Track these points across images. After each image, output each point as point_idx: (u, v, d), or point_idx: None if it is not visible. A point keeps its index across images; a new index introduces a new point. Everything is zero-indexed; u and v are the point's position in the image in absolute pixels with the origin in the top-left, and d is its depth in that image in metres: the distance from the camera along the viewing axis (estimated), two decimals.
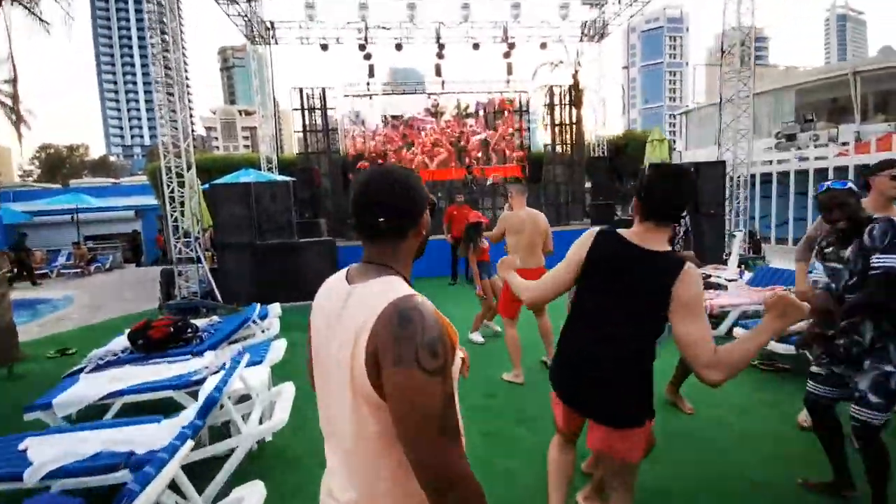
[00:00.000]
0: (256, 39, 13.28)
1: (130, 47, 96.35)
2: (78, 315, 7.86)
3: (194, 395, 3.48)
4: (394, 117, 14.08)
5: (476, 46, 13.92)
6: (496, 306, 5.43)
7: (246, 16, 12.50)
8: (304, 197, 10.01)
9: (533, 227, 4.08)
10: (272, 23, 13.33)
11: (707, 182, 8.58)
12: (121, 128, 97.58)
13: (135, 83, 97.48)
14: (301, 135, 12.29)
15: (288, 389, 3.22)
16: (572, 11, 13.57)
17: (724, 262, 8.11)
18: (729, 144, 10.10)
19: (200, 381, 3.46)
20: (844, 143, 18.91)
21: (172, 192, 7.64)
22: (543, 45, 14.28)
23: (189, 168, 7.71)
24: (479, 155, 14.45)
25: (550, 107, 13.70)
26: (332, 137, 12.59)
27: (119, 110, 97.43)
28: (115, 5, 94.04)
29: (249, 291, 7.44)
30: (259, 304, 5.17)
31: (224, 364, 3.74)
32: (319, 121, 12.50)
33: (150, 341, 4.37)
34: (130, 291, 9.87)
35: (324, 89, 12.22)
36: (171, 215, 7.59)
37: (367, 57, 13.68)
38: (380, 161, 13.81)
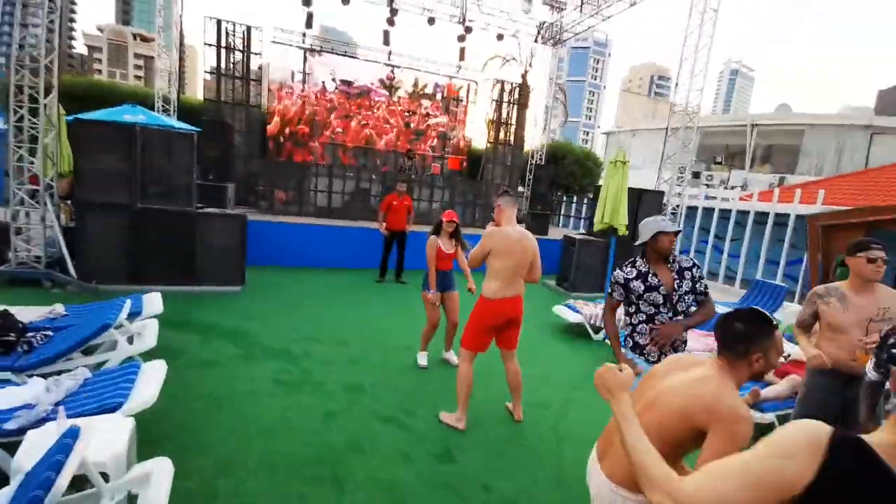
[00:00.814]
0: None
1: None
2: None
3: (5, 448, 2.19)
4: (344, 82, 12.39)
5: (431, 21, 12.76)
6: (451, 329, 4.60)
7: None
8: (210, 155, 8.21)
9: (522, 250, 3.29)
10: None
11: (647, 210, 8.58)
12: None
13: None
14: (213, 77, 10.18)
15: (161, 469, 2.05)
16: (534, 7, 13.01)
17: None
18: (667, 175, 10.35)
19: (15, 433, 2.19)
20: (734, 187, 21.22)
21: (21, 120, 5.58)
22: (500, 37, 13.58)
23: (49, 92, 5.69)
24: (434, 143, 13.42)
25: (499, 103, 13.09)
26: (253, 89, 10.65)
27: None
28: None
29: (117, 268, 5.73)
30: (128, 300, 3.74)
31: (60, 402, 2.43)
32: (239, 66, 10.49)
33: None
34: None
35: (248, 27, 10.23)
36: (15, 152, 5.54)
37: (307, 2, 11.84)
38: (304, 130, 12.12)
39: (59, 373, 2.89)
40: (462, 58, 13.52)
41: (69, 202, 6.69)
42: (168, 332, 4.23)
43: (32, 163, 5.64)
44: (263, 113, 11.39)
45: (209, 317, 5.14)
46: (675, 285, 2.53)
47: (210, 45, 10.09)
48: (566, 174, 14.63)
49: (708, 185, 22.69)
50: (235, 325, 4.96)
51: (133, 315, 3.92)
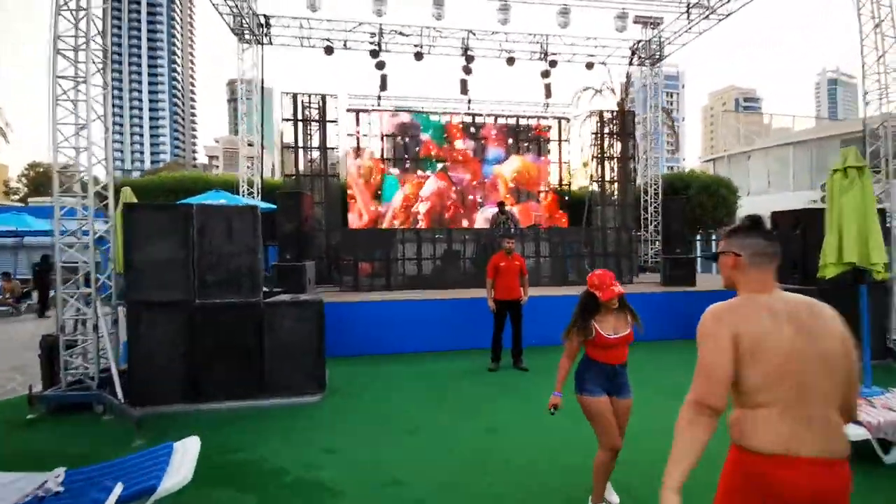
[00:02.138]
0: (246, 36, 10.94)
1: (140, 66, 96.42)
2: None
3: None
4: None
5: (511, 61, 11.66)
6: (611, 456, 2.64)
7: (235, 7, 10.17)
8: (287, 231, 7.27)
9: (822, 350, 1.33)
10: (267, 17, 11.04)
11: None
12: (121, 151, 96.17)
13: (141, 108, 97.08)
14: (292, 151, 9.68)
15: None
16: (627, 25, 11.40)
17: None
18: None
19: None
20: None
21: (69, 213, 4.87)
22: (590, 66, 12.06)
23: (108, 187, 4.97)
24: (510, 187, 11.91)
25: (599, 136, 11.28)
26: (330, 157, 9.99)
27: (122, 133, 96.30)
28: (127, 27, 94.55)
29: (170, 383, 4.53)
30: (119, 484, 2.29)
31: None
32: (316, 136, 9.94)
33: None
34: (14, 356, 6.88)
35: (324, 97, 9.73)
36: (63, 251, 4.76)
37: (380, 66, 11.35)
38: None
39: None
40: (548, 95, 12.13)
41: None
42: (207, 491, 2.71)
43: (86, 262, 4.82)
44: (343, 182, 10.67)
45: (273, 455, 3.60)
46: None
47: (287, 119, 9.68)
48: (692, 207, 12.10)
49: None
50: (305, 469, 3.35)
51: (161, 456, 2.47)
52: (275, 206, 7.50)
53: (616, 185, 11.27)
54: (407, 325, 6.71)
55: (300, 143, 9.66)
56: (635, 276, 9.58)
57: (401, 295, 7.37)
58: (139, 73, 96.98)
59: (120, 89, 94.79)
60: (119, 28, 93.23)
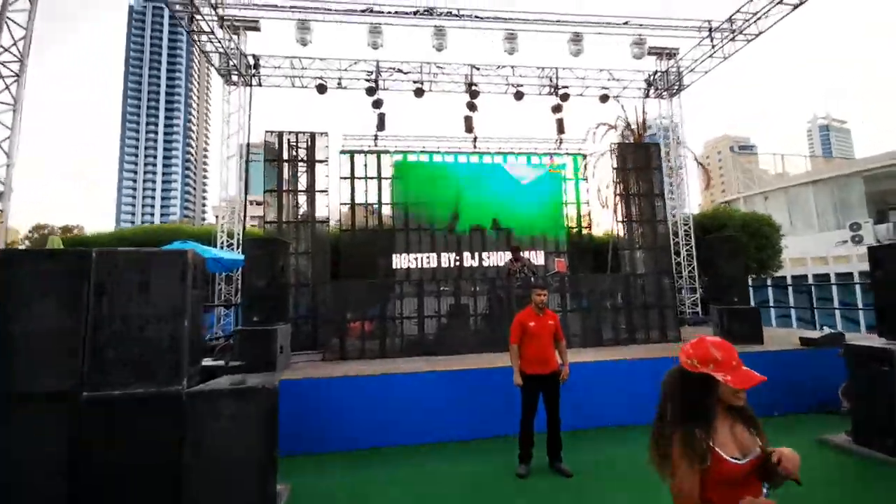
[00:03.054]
0: (233, 78, 10.13)
1: (156, 125, 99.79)
2: None
3: None
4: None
5: (519, 95, 10.74)
6: None
7: (221, 47, 9.40)
8: (256, 287, 5.88)
9: None
10: (256, 57, 10.29)
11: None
12: (133, 205, 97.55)
13: (155, 167, 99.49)
14: (275, 196, 8.47)
15: None
16: (645, 52, 10.53)
17: None
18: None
19: None
20: None
21: None
22: (604, 98, 11.12)
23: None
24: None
25: (622, 172, 10.07)
26: (320, 201, 8.77)
27: (135, 189, 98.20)
28: (147, 89, 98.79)
29: None
30: None
31: None
32: (304, 178, 8.79)
33: None
34: None
35: (312, 135, 8.66)
36: None
37: (378, 104, 10.45)
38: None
39: None
40: (561, 130, 11.09)
41: None
42: None
43: None
44: (332, 230, 9.40)
45: None
46: None
47: (271, 160, 8.57)
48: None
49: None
50: None
51: None
52: (241, 257, 6.17)
53: (644, 225, 9.92)
54: (403, 408, 5.10)
55: (285, 187, 8.47)
56: (673, 333, 7.94)
57: (393, 367, 5.79)
58: (155, 134, 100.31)
59: (136, 147, 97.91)
60: (138, 90, 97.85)
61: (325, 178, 8.66)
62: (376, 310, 6.98)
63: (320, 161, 8.71)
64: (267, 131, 8.52)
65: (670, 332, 7.61)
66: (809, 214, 23.19)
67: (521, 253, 8.58)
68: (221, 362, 5.37)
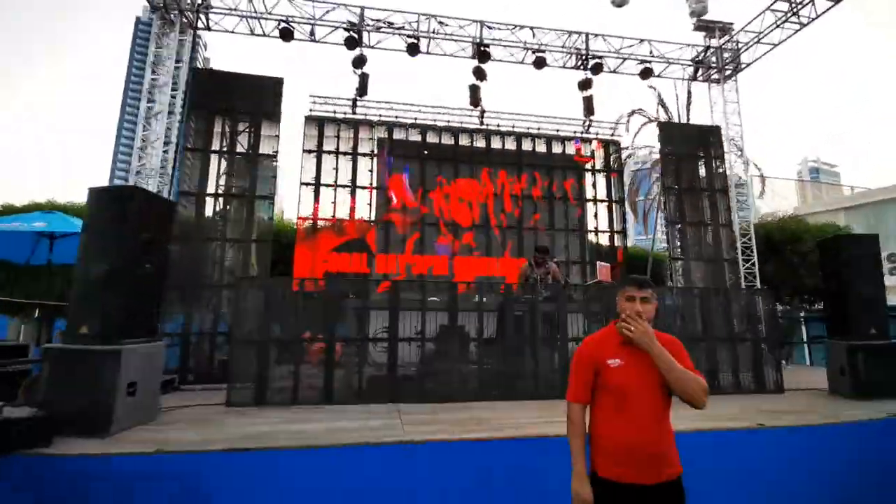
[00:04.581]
0: (170, 16, 7.76)
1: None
2: None
3: None
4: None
5: (540, 63, 8.46)
6: None
7: None
8: (91, 273, 3.32)
9: None
10: None
11: None
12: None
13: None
14: (199, 156, 5.98)
15: None
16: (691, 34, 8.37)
17: None
18: None
19: None
20: None
21: None
22: (646, 73, 8.86)
23: None
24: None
25: (675, 162, 7.74)
26: (261, 172, 6.27)
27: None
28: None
29: None
30: None
31: None
32: (244, 138, 6.31)
33: None
34: None
35: (260, 79, 6.23)
36: None
37: (360, 62, 8.12)
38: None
39: None
40: (590, 111, 8.80)
41: None
42: None
43: None
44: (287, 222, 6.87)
45: None
46: None
47: (208, 110, 6.10)
48: (811, 266, 8.28)
49: None
50: None
51: None
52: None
53: (702, 229, 7.55)
54: None
55: (214, 147, 5.98)
56: (778, 379, 5.39)
57: (340, 425, 3.14)
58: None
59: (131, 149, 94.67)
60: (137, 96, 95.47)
61: (274, 140, 6.19)
62: (324, 327, 4.41)
63: (268, 118, 6.24)
64: (193, 69, 6.09)
65: (769, 378, 5.09)
66: None
67: (551, 258, 6.01)
68: (23, 409, 2.92)
